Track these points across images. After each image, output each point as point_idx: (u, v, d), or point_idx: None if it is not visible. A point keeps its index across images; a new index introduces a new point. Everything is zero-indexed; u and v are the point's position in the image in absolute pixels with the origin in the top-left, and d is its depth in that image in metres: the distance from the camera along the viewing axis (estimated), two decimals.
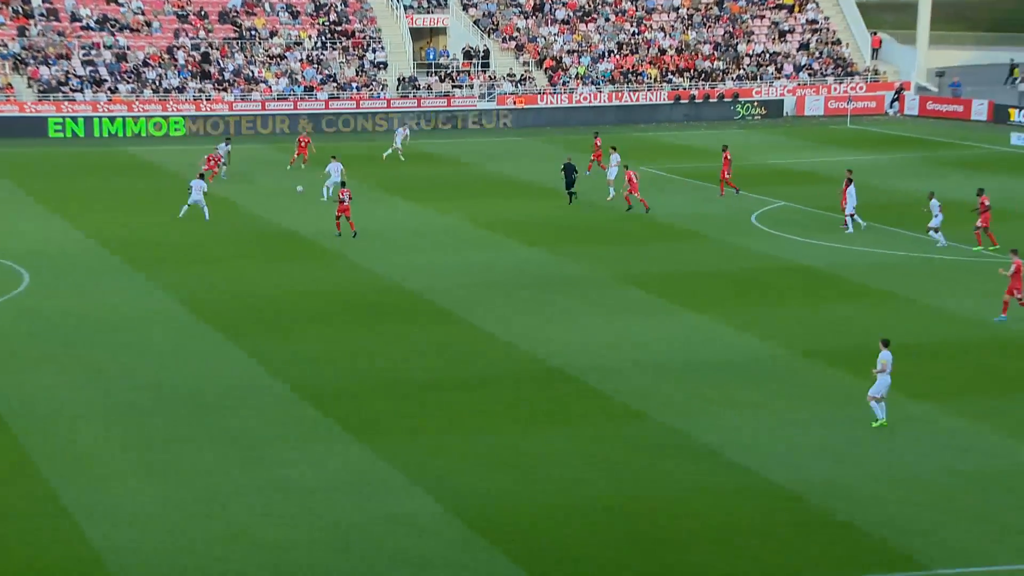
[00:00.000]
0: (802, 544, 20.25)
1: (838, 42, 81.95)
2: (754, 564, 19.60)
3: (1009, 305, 32.52)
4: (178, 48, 72.68)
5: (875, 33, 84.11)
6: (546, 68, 77.70)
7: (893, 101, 77.56)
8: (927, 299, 34.64)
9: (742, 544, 20.33)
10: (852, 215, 43.45)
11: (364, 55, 75.87)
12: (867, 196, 45.99)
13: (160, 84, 70.32)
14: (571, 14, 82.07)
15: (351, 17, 78.07)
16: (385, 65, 75.53)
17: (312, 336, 31.52)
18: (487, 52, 77.55)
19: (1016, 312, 32.83)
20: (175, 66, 71.44)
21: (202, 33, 74.37)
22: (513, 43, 79.10)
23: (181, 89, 70.32)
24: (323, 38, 76.30)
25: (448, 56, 78.14)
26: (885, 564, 19.42)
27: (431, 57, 77.87)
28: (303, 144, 57.13)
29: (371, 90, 73.12)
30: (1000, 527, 20.57)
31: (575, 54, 79.19)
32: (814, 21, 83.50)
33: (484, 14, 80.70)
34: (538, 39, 79.97)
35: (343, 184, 44.69)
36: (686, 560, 19.84)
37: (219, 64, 72.42)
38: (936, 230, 40.56)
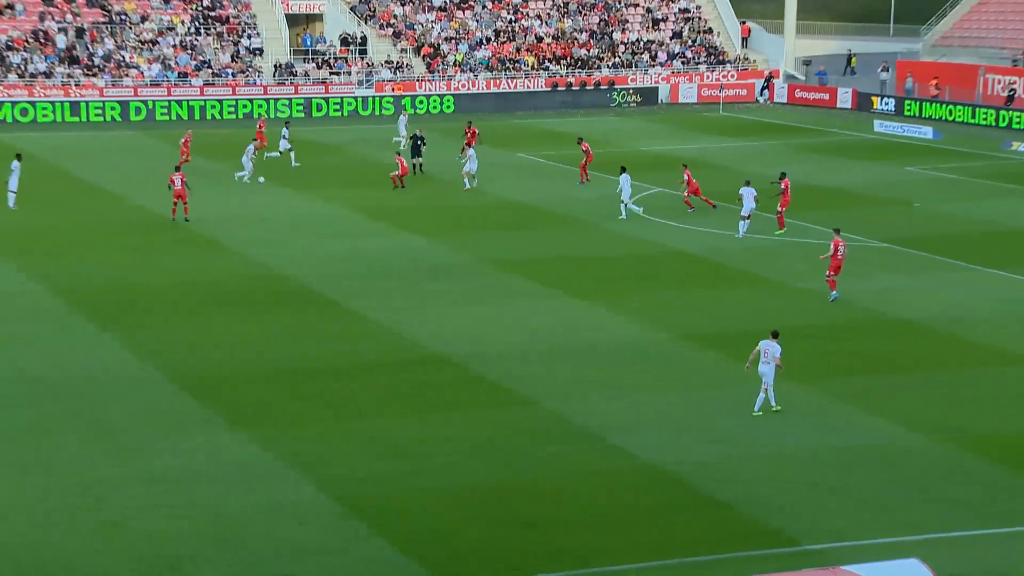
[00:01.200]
0: (681, 524, 20.45)
1: (710, 31, 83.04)
2: (634, 545, 19.73)
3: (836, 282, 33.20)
4: (44, 32, 70.62)
5: (744, 22, 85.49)
6: (424, 55, 77.33)
7: (763, 89, 78.88)
8: (799, 282, 35.26)
9: (623, 526, 20.45)
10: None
11: (239, 41, 74.63)
12: (740, 183, 46.51)
13: (26, 69, 68.25)
14: (449, 1, 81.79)
15: (225, 3, 76.71)
16: (261, 51, 74.41)
17: (189, 325, 30.91)
18: (364, 39, 76.89)
19: (872, 297, 33.60)
20: (41, 50, 69.39)
21: (69, 16, 72.37)
22: (391, 30, 78.56)
23: (48, 74, 68.35)
24: (196, 23, 74.84)
25: (325, 43, 77.29)
26: (759, 541, 19.69)
27: (308, 44, 76.94)
28: (261, 130, 56.02)
29: (247, 76, 71.96)
30: (866, 503, 21.01)
31: (453, 41, 78.95)
32: (686, 10, 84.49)
33: (361, 0, 80.00)
34: (416, 26, 79.55)
35: (177, 168, 43.66)
36: (569, 542, 19.89)
37: (88, 49, 70.56)
38: (745, 218, 40.84)
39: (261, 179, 49.07)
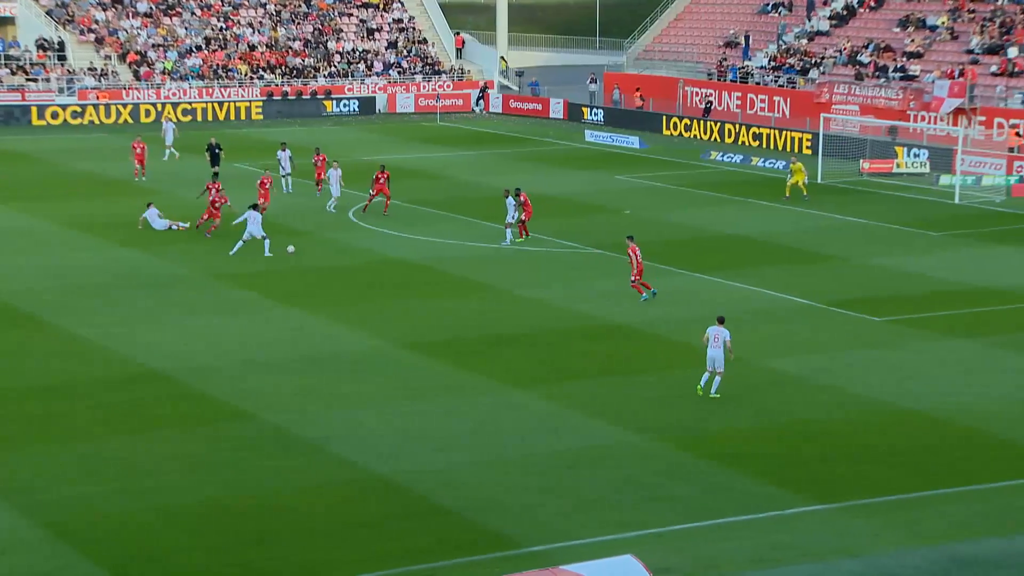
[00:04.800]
0: (408, 533, 20.51)
1: (424, 41, 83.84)
2: (362, 556, 19.66)
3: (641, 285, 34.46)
4: None
5: (458, 33, 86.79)
6: (130, 62, 74.90)
7: (479, 99, 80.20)
8: (520, 289, 36.00)
9: (349, 537, 20.35)
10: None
11: None
12: (458, 191, 47.28)
13: None
14: (154, 7, 79.53)
15: None
16: None
17: None
18: (63, 44, 73.78)
19: (588, 302, 34.73)
20: None
21: None
22: (92, 36, 75.70)
23: None
24: None
25: (20, 47, 73.72)
26: (483, 546, 19.96)
27: (0, 48, 73.24)
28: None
29: None
30: (586, 503, 21.63)
31: (161, 48, 76.80)
32: (400, 20, 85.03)
33: (57, 4, 76.81)
34: (119, 32, 76.94)
35: None
36: (296, 557, 19.64)
37: None
38: (509, 226, 41.81)
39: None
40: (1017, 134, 56.35)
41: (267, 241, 39.32)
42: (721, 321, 26.94)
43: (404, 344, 30.49)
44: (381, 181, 45.56)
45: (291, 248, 39.19)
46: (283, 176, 50.34)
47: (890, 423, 25.34)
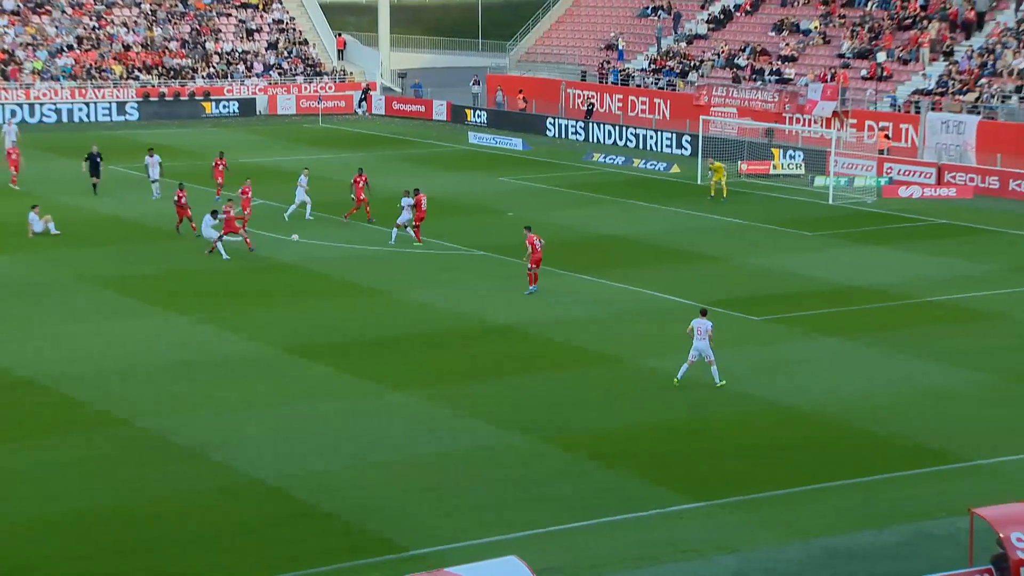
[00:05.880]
0: (289, 538, 20.30)
1: (305, 42, 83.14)
2: (241, 563, 19.41)
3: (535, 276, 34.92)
4: None
5: (340, 34, 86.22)
6: None
7: (361, 101, 79.77)
8: (401, 292, 35.87)
9: (230, 543, 20.07)
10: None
11: None
12: (342, 193, 46.97)
13: None
14: (22, 5, 77.62)
15: None
16: None
17: None
18: None
19: (469, 303, 34.78)
20: None
21: None
22: None
23: None
24: None
25: None
26: (367, 550, 19.84)
27: None
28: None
29: None
30: (469, 505, 21.63)
31: (30, 48, 74.97)
32: (280, 21, 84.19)
33: None
34: None
35: None
36: (171, 565, 19.30)
37: None
38: (401, 227, 41.74)
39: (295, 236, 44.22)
40: (886, 136, 57.88)
41: (220, 244, 38.90)
42: (704, 313, 27.60)
43: (284, 347, 30.18)
44: (360, 185, 44.76)
45: (295, 236, 40.40)
46: (152, 182, 49.08)
47: (769, 420, 25.81)
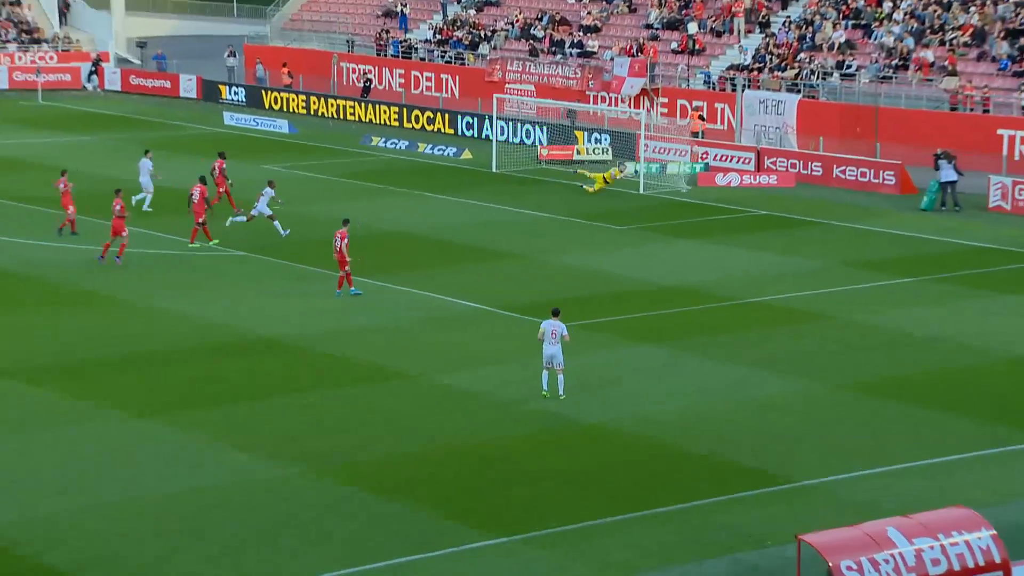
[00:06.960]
0: None
1: (18, 3, 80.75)
2: None
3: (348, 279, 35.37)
4: None
5: None
6: None
7: (91, 74, 77.90)
8: (147, 300, 35.22)
9: None
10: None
11: None
12: (82, 185, 45.47)
13: None
14: None
15: None
16: None
17: None
18: None
19: (226, 314, 34.43)
20: None
21: None
22: None
23: None
24: None
25: None
26: None
27: None
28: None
29: None
30: (237, 546, 21.33)
31: None
32: None
33: None
34: None
35: None
36: None
37: None
38: (271, 217, 41.88)
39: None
40: (700, 118, 59.57)
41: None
42: (556, 314, 27.75)
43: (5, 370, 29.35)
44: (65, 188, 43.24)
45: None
46: None
47: (574, 441, 26.26)
